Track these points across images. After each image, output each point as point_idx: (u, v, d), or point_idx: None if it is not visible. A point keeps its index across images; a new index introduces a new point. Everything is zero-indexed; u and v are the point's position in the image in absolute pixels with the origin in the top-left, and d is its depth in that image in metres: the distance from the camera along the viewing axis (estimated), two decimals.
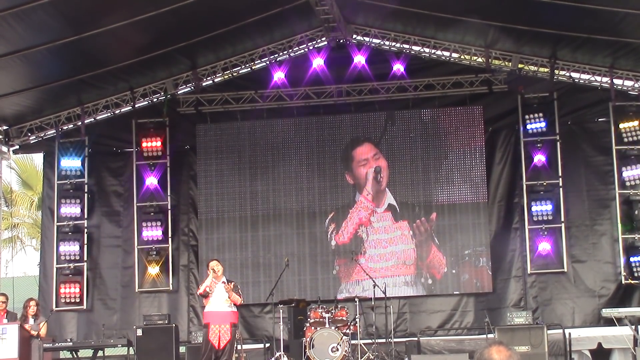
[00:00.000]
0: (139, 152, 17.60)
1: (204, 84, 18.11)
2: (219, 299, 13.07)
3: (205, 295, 13.12)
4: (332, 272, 17.32)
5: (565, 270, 16.63)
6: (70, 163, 17.55)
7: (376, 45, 17.71)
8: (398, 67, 17.28)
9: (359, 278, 16.98)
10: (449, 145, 17.33)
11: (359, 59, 17.28)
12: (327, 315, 14.81)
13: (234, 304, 13.33)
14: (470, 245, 17.08)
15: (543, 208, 16.60)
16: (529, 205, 16.71)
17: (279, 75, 17.45)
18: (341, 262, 17.28)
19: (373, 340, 15.34)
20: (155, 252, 17.34)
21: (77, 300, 17.35)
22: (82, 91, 17.24)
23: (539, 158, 16.70)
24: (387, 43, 17.65)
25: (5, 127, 17.77)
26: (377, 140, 17.56)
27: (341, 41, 17.76)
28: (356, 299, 15.43)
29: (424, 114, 17.56)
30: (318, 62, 17.39)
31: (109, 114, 18.12)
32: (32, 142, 18.25)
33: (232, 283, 13.35)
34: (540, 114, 16.79)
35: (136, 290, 17.50)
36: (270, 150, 17.74)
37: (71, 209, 17.50)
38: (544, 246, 16.54)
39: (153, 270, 17.30)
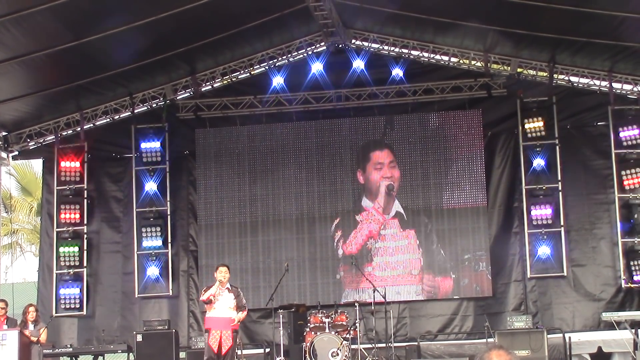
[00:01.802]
0: (138, 157, 17.61)
1: (203, 89, 18.11)
2: (223, 306, 12.84)
3: (209, 302, 12.95)
4: (332, 277, 17.27)
5: (565, 274, 16.63)
6: (69, 174, 17.56)
7: (375, 50, 17.72)
8: (397, 72, 17.29)
9: (366, 286, 16.64)
10: (448, 149, 17.32)
11: (358, 67, 17.27)
12: (327, 320, 14.81)
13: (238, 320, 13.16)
14: (470, 250, 17.07)
15: (542, 212, 16.60)
16: (529, 209, 16.71)
17: (279, 82, 17.46)
18: (346, 268, 17.24)
19: (373, 345, 15.33)
20: (154, 258, 17.34)
21: (77, 306, 17.34)
22: (81, 97, 17.24)
23: (538, 162, 16.70)
24: (386, 47, 17.67)
25: (4, 133, 17.77)
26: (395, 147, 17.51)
27: (340, 46, 17.78)
28: (356, 304, 15.41)
29: (423, 119, 17.56)
30: (317, 68, 17.39)
31: (108, 120, 18.13)
32: (31, 148, 18.25)
33: (237, 289, 13.16)
34: (540, 118, 16.79)
35: (136, 296, 17.49)
36: (270, 155, 17.73)
37: (70, 215, 17.49)
38: (544, 250, 16.53)
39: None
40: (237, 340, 13.66)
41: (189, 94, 18.16)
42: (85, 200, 17.65)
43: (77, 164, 17.63)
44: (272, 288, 15.84)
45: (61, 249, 17.40)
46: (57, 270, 17.47)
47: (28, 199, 30.13)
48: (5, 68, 14.49)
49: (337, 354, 14.25)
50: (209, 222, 17.67)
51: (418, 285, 17.06)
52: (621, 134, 16.58)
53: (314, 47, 17.88)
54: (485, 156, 17.25)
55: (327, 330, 14.64)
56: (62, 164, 17.61)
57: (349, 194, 17.53)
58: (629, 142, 16.55)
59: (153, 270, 17.29)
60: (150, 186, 17.48)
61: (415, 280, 17.08)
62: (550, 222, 16.61)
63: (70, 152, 17.72)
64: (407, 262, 17.17)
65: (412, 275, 17.10)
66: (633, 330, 14.43)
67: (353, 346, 14.83)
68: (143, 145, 17.56)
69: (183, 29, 15.22)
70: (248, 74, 18.13)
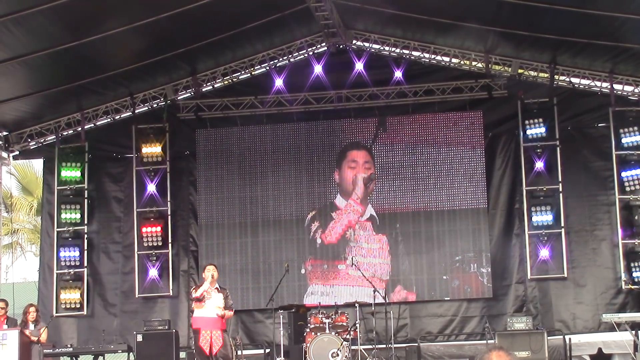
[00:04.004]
0: (139, 157, 17.61)
1: (203, 90, 18.10)
2: (212, 305, 12.76)
3: (201, 299, 12.89)
4: (300, 272, 17.32)
5: (565, 275, 16.62)
6: (70, 174, 17.55)
7: (376, 51, 17.71)
8: (398, 75, 17.30)
9: (335, 283, 17.08)
10: (448, 150, 17.31)
11: (359, 67, 17.26)
12: (327, 321, 14.80)
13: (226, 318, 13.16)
14: (470, 251, 17.07)
15: (543, 213, 16.58)
16: (529, 210, 16.70)
17: (279, 84, 17.44)
18: (316, 262, 17.28)
19: (373, 346, 15.33)
20: (155, 258, 17.35)
21: (77, 306, 17.35)
22: (82, 97, 17.24)
23: (539, 163, 16.69)
24: (386, 48, 17.66)
25: (5, 133, 17.78)
26: (372, 148, 17.54)
27: (341, 46, 17.77)
28: (356, 304, 15.43)
29: (424, 119, 17.54)
30: (318, 69, 17.38)
31: (109, 120, 18.13)
32: (32, 147, 18.26)
33: (225, 290, 13.11)
34: (540, 119, 16.78)
35: (136, 296, 17.50)
36: (270, 156, 17.73)
37: (71, 215, 17.50)
38: (544, 252, 16.53)
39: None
40: (237, 339, 13.64)
41: (189, 94, 18.16)
42: (85, 200, 17.66)
43: (78, 164, 17.63)
44: (273, 288, 15.83)
45: (61, 249, 17.41)
46: (57, 270, 17.47)
47: (29, 198, 30.13)
48: (6, 68, 14.49)
49: (337, 355, 14.23)
50: (209, 222, 17.67)
51: (383, 290, 16.98)
52: (622, 136, 16.56)
53: (314, 47, 17.88)
54: (486, 157, 17.24)
55: (327, 331, 14.63)
56: (63, 163, 17.60)
57: (333, 190, 17.55)
58: (630, 144, 16.53)
59: (153, 272, 17.33)
60: (151, 186, 17.48)
61: (382, 286, 17.00)
62: (550, 223, 16.60)
63: (71, 152, 17.72)
64: (378, 266, 17.20)
65: (381, 281, 17.06)
66: (633, 332, 14.43)
67: (353, 347, 14.83)
68: (144, 145, 17.56)
69: (184, 29, 15.23)
70: (249, 75, 18.13)
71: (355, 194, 17.44)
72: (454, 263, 17.12)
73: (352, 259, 16.57)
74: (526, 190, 16.80)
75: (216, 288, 12.84)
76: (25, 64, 14.66)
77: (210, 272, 12.83)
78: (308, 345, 14.44)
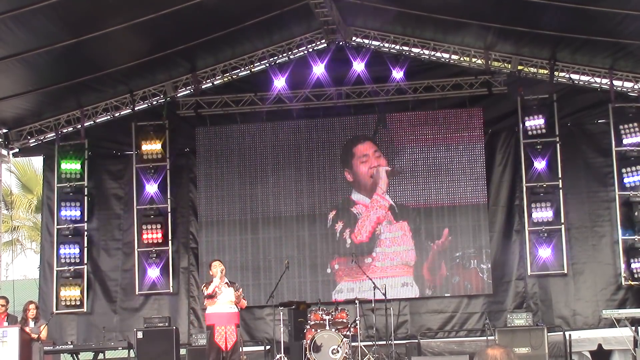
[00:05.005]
0: (139, 155, 17.60)
1: (203, 87, 18.10)
2: (224, 300, 12.93)
3: (213, 295, 12.95)
4: (326, 271, 17.32)
5: (566, 272, 16.62)
6: (70, 166, 17.55)
7: (376, 48, 17.69)
8: (397, 72, 17.25)
9: (360, 278, 16.94)
10: (448, 147, 17.31)
11: (358, 65, 17.21)
12: (327, 318, 14.81)
13: (241, 308, 13.30)
14: (470, 248, 17.07)
15: (543, 210, 16.58)
16: (529, 207, 16.70)
17: (279, 83, 17.38)
18: (342, 260, 17.27)
19: (373, 342, 15.34)
20: (155, 255, 17.37)
21: (78, 303, 17.36)
22: (82, 94, 17.24)
23: (539, 160, 16.68)
24: (386, 45, 17.65)
25: (4, 130, 17.77)
26: (376, 140, 17.57)
27: (341, 43, 17.76)
28: (356, 301, 15.44)
29: (424, 116, 17.54)
30: (319, 68, 17.31)
31: (109, 117, 18.13)
32: (31, 145, 18.26)
33: (236, 285, 13.27)
34: (540, 116, 16.77)
35: (136, 293, 17.51)
36: (271, 153, 17.73)
37: (71, 212, 17.51)
38: (544, 248, 16.52)
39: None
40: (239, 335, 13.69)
41: (189, 92, 18.14)
42: (85, 197, 17.66)
43: (78, 162, 17.63)
44: (273, 285, 15.85)
45: (62, 246, 17.42)
46: (57, 267, 17.47)
47: (28, 196, 30.11)
48: (5, 65, 14.49)
49: (338, 351, 14.26)
50: (209, 219, 17.68)
51: (412, 277, 17.05)
52: (622, 132, 16.55)
53: (314, 44, 17.87)
54: (486, 154, 17.24)
55: (327, 328, 14.64)
56: (63, 161, 17.61)
57: (343, 190, 17.55)
58: (630, 140, 16.52)
59: (154, 269, 17.34)
60: (151, 184, 17.48)
61: (410, 272, 17.07)
62: (550, 220, 16.60)
63: (71, 149, 17.72)
64: (404, 253, 17.20)
65: (408, 267, 17.10)
66: (633, 328, 14.44)
67: (353, 343, 14.84)
68: (143, 142, 17.55)
69: (183, 26, 15.21)
70: (248, 72, 18.11)
71: (380, 189, 17.41)
72: (454, 259, 17.14)
73: (353, 256, 16.52)
74: (526, 187, 16.80)
75: (226, 283, 13.00)
76: (25, 62, 14.65)
77: (217, 267, 12.97)
78: (308, 341, 14.45)
